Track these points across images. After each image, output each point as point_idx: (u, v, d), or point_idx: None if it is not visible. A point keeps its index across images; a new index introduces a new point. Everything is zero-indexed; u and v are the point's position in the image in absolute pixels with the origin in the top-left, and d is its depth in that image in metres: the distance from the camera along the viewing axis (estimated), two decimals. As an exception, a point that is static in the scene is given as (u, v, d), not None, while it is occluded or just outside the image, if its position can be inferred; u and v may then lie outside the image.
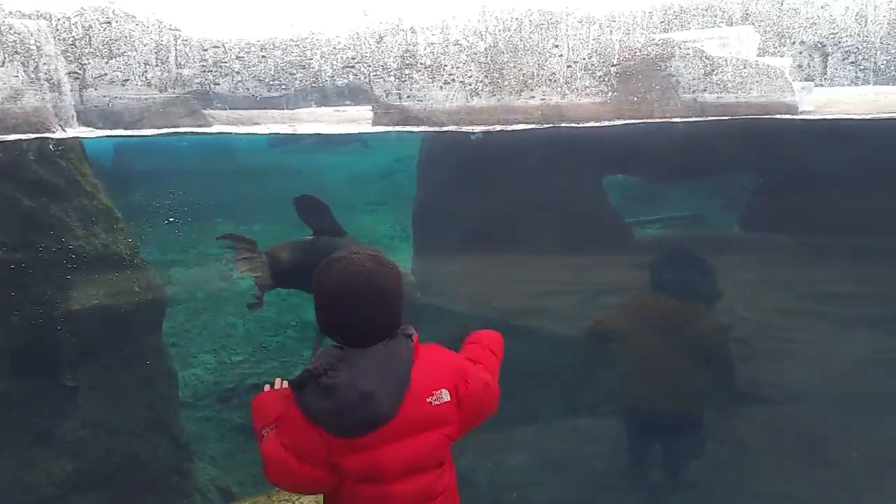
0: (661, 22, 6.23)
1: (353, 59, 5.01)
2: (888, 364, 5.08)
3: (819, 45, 6.94)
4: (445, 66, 5.20)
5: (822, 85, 7.02)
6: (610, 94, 5.65)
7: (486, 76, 5.30)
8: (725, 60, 6.18)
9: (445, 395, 1.54)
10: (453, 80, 5.25)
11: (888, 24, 7.43)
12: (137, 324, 4.55)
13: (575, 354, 5.68)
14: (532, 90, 5.53)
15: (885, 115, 5.48)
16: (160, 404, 5.25)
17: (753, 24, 6.62)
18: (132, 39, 4.38)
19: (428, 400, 1.53)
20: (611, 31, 5.73)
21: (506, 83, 5.40)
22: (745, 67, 6.38)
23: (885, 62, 7.16)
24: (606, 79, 5.65)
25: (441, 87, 5.22)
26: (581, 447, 5.93)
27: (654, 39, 5.90)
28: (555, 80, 5.60)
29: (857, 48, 7.15)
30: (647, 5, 6.07)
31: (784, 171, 6.03)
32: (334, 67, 5.04)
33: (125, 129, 4.64)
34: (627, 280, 6.36)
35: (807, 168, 5.73)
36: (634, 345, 4.82)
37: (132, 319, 4.43)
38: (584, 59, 5.61)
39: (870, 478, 4.37)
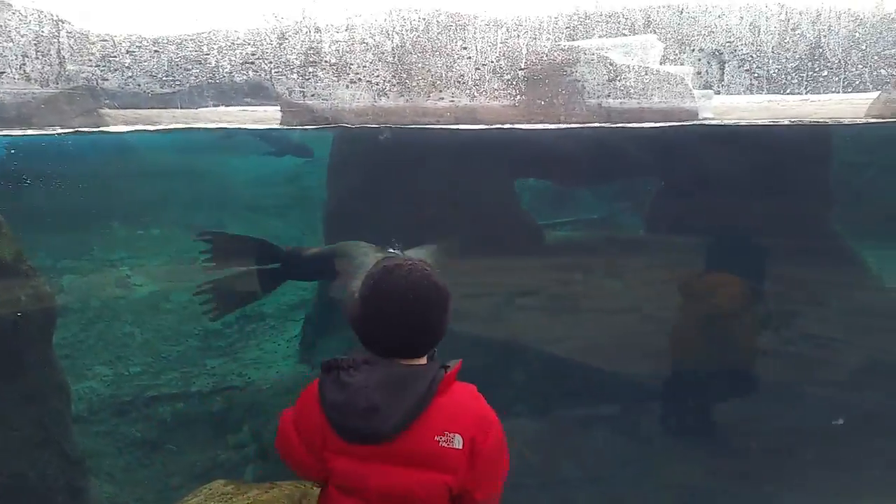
0: (567, 28, 6.44)
1: (254, 54, 4.93)
2: (784, 358, 5.39)
3: (717, 53, 7.39)
4: (351, 64, 5.19)
5: (720, 92, 7.45)
6: (518, 97, 5.77)
7: (394, 76, 5.32)
8: (628, 67, 6.44)
9: (458, 441, 1.42)
10: (360, 79, 5.24)
11: (779, 34, 8.00)
12: (25, 335, 4.27)
13: (493, 357, 5.76)
14: (441, 91, 5.58)
15: (779, 121, 5.86)
16: (50, 420, 4.98)
17: (655, 31, 6.94)
18: (7, 29, 4.14)
19: (437, 438, 1.43)
20: (518, 36, 5.88)
21: (414, 84, 5.43)
22: (646, 74, 6.68)
23: (776, 70, 7.70)
24: (515, 82, 5.78)
25: (347, 87, 5.20)
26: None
27: (559, 45, 6.08)
28: (464, 83, 5.68)
29: (752, 57, 7.65)
30: (553, 11, 6.26)
31: (686, 174, 6.31)
32: (232, 63, 4.93)
33: (5, 126, 4.37)
34: (541, 282, 6.50)
35: (707, 171, 6.02)
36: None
37: (19, 330, 4.16)
38: (492, 62, 5.72)
39: (768, 465, 4.62)
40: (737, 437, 5.02)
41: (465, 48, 5.50)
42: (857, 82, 7.56)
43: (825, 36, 7.73)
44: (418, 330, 1.49)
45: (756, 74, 7.13)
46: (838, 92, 7.47)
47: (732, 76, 7.45)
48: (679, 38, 7.13)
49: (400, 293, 1.44)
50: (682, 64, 7.26)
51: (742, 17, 7.56)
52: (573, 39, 6.39)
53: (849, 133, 5.22)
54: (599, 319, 6.08)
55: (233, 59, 4.76)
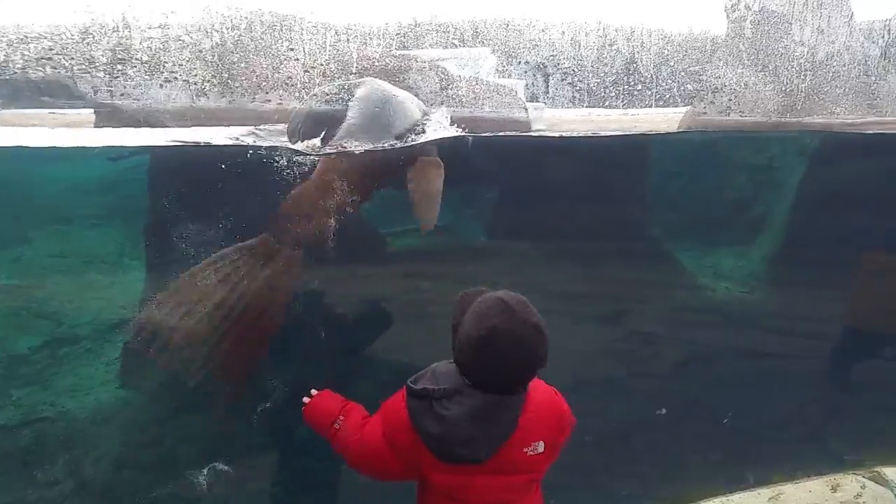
0: (398, 34, 6.67)
1: (51, 49, 4.67)
2: (614, 354, 5.78)
3: (541, 66, 7.97)
4: (166, 62, 5.06)
5: (545, 103, 8.01)
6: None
7: (214, 76, 5.24)
8: (459, 77, 6.76)
9: (541, 447, 1.74)
10: (175, 78, 5.12)
11: (597, 49, 8.81)
12: None
13: (338, 368, 5.75)
14: (267, 93, 5.56)
15: (603, 133, 6.34)
16: None
17: (483, 42, 7.36)
18: None
19: (525, 450, 1.73)
20: (348, 40, 6.00)
21: (237, 85, 5.38)
22: (478, 84, 7.05)
23: (596, 84, 8.45)
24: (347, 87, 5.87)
25: (161, 86, 5.05)
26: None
27: (391, 51, 6.28)
28: (292, 85, 5.69)
29: (574, 70, 8.34)
30: (384, 17, 6.46)
31: (521, 183, 6.66)
32: (26, 59, 4.65)
33: None
34: (386, 291, 6.58)
35: (540, 180, 6.38)
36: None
37: None
38: (321, 65, 5.79)
39: (600, 457, 4.91)
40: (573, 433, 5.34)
41: (291, 49, 5.52)
42: (668, 96, 8.49)
43: (639, 52, 8.62)
44: (522, 372, 1.70)
45: (578, 87, 7.78)
46: (651, 105, 8.38)
47: (557, 89, 8.05)
48: (506, 50, 7.61)
49: (516, 340, 1.60)
50: (509, 75, 7.74)
51: (564, 32, 8.23)
52: (405, 47, 6.61)
53: (663, 144, 5.80)
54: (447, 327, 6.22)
55: (26, 54, 4.48)
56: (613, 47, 8.28)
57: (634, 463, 4.94)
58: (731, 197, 5.31)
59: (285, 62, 5.73)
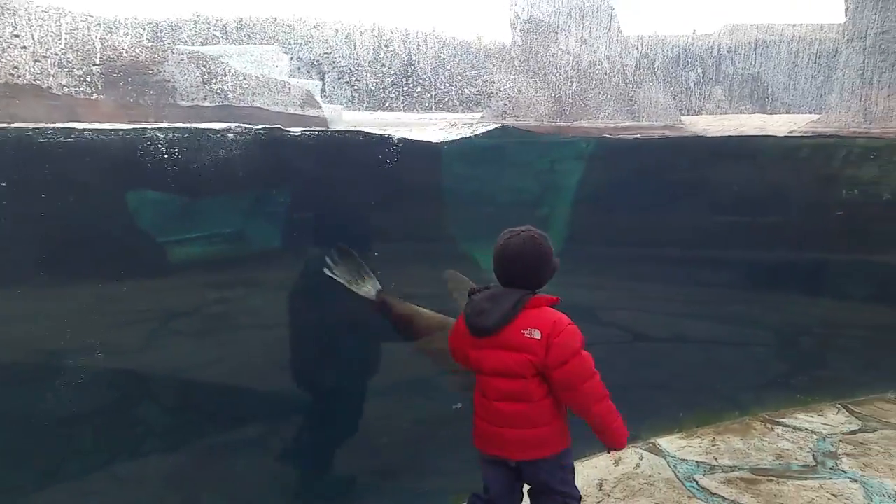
0: (150, 24, 6.25)
1: None
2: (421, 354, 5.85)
3: (316, 63, 7.96)
4: None
5: (324, 101, 7.98)
6: (95, 95, 5.38)
7: None
8: (224, 70, 6.50)
9: (536, 334, 2.18)
10: None
11: (374, 49, 9.09)
12: None
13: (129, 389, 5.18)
14: (-15, 85, 4.89)
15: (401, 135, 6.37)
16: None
17: (249, 36, 7.17)
18: None
19: (522, 331, 2.19)
20: (88, 28, 5.48)
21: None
22: (245, 79, 6.82)
23: (374, 84, 8.71)
24: (89, 79, 5.37)
25: None
26: (125, 493, 5.47)
27: (142, 42, 5.85)
28: (20, 75, 5.07)
29: (351, 69, 8.49)
30: (134, 6, 6.03)
31: (318, 184, 6.50)
32: None
33: None
34: (167, 305, 6.08)
35: (334, 181, 6.27)
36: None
37: None
38: (56, 54, 5.23)
39: (405, 456, 4.93)
40: (373, 436, 5.33)
41: (17, 35, 4.92)
42: (447, 99, 9.02)
43: (416, 55, 9.03)
44: (517, 272, 2.28)
45: (356, 87, 7.92)
46: (431, 108, 8.83)
47: (334, 87, 8.09)
48: (275, 45, 7.48)
49: (517, 246, 2.28)
50: (281, 71, 7.59)
51: (337, 31, 8.31)
52: (158, 39, 6.22)
53: (459, 147, 6.03)
54: (243, 337, 5.92)
55: None
56: (390, 48, 8.55)
57: (438, 458, 5.08)
58: (519, 198, 5.73)
59: (8, 49, 5.09)
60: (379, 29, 8.02)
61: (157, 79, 5.51)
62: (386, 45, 7.93)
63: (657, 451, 3.61)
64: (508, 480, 2.32)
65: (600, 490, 3.19)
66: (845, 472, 3.35)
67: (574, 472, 2.40)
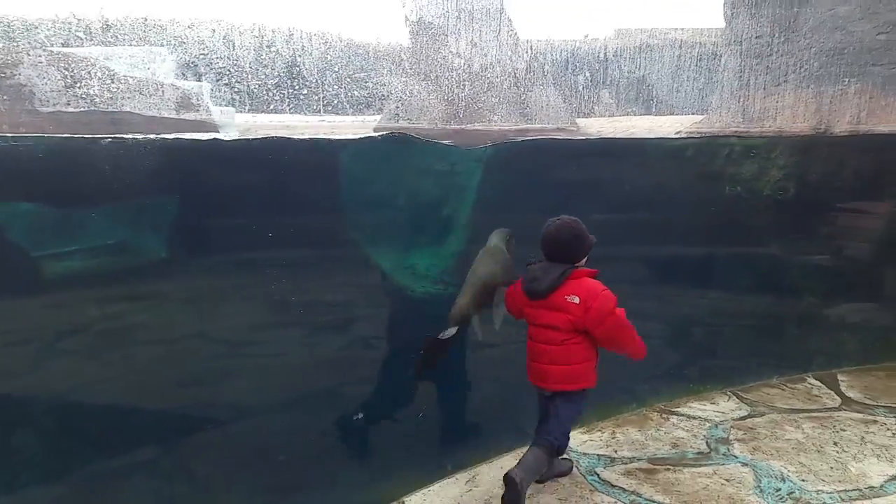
0: (1, 23, 5.79)
1: None
2: (338, 362, 5.70)
3: (192, 65, 7.59)
4: None
5: (199, 105, 7.63)
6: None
7: None
8: (90, 73, 6.14)
9: (576, 299, 2.99)
10: None
11: (255, 51, 8.74)
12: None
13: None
14: None
15: (296, 137, 6.23)
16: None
17: (116, 36, 6.77)
18: None
19: (565, 297, 3.01)
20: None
21: None
22: (113, 82, 6.45)
23: (257, 86, 8.39)
24: None
25: None
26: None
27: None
28: None
29: (230, 71, 8.13)
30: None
31: (206, 191, 6.25)
32: None
33: None
34: (45, 322, 5.66)
35: (226, 187, 6.05)
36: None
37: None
38: None
39: (310, 470, 4.82)
40: (274, 451, 5.17)
41: None
42: (336, 102, 8.81)
43: (300, 56, 8.77)
44: (559, 251, 3.09)
45: (237, 89, 7.60)
46: (320, 111, 8.58)
47: (214, 90, 7.76)
48: (146, 46, 7.11)
49: (554, 231, 3.09)
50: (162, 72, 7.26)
51: (215, 31, 7.96)
52: (11, 39, 5.82)
53: (356, 149, 5.94)
54: (129, 353, 5.59)
55: None
56: (273, 49, 8.26)
57: (344, 470, 5.01)
58: (421, 200, 5.71)
59: None
60: (260, 29, 7.78)
61: (12, 83, 5.14)
62: (268, 46, 7.71)
63: None
64: (547, 409, 3.18)
65: None
66: (736, 457, 3.58)
67: (579, 416, 3.29)
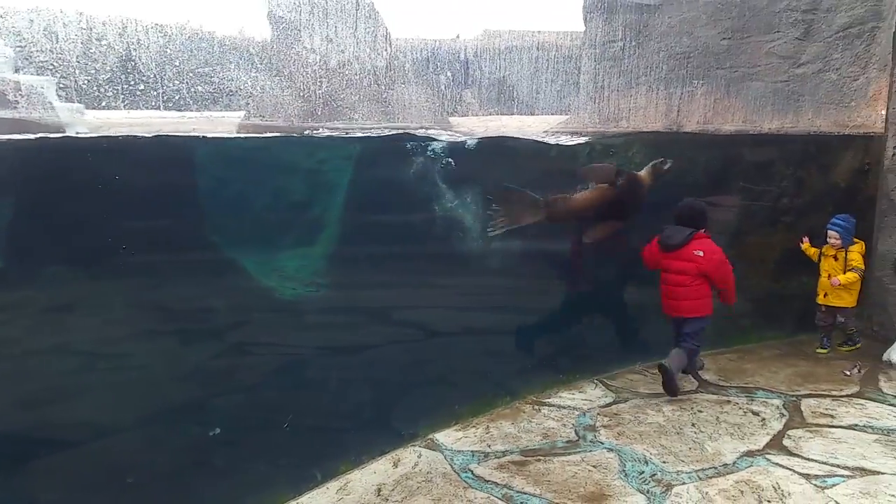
0: None
1: None
2: (201, 373, 5.44)
3: (5, 59, 7.04)
4: None
5: (17, 100, 7.08)
6: None
7: None
8: None
9: (700, 253, 4.31)
10: None
11: (83, 44, 8.21)
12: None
13: None
14: None
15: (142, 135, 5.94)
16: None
17: None
18: None
19: (693, 251, 4.34)
20: None
21: None
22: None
23: (86, 81, 7.87)
24: None
25: None
26: None
27: None
28: None
29: (54, 65, 7.61)
30: None
31: (46, 193, 5.81)
32: None
33: None
34: None
35: (69, 189, 5.66)
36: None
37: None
38: None
39: (168, 488, 4.61)
40: (128, 472, 4.92)
41: None
42: (177, 97, 8.43)
43: (136, 49, 8.33)
44: (687, 218, 4.47)
45: (63, 84, 7.12)
46: (160, 107, 8.19)
47: (34, 84, 7.25)
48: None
49: (679, 209, 4.52)
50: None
51: (33, 21, 7.41)
52: None
53: (214, 149, 5.75)
54: None
55: None
56: (104, 42, 7.77)
57: (206, 488, 4.84)
58: (289, 200, 5.63)
59: None
60: (88, 21, 7.39)
61: None
62: (98, 39, 7.32)
63: (435, 446, 3.81)
64: (678, 329, 4.48)
65: (378, 495, 3.29)
66: (603, 444, 3.77)
67: (703, 332, 4.51)
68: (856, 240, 5.09)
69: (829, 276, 5.06)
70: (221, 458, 4.64)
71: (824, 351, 5.21)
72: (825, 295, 5.15)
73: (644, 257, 4.62)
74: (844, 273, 4.99)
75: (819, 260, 5.19)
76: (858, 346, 5.24)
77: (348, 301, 5.12)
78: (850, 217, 5.10)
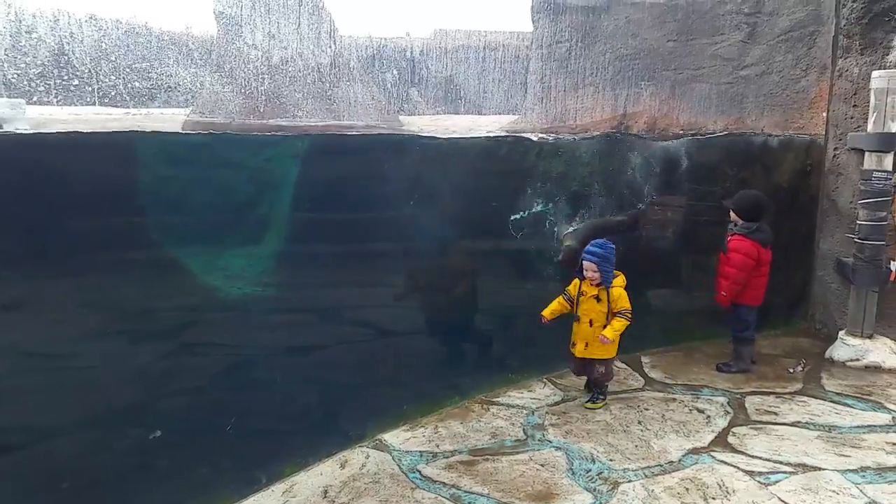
0: None
1: None
2: (143, 374, 5.36)
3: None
4: None
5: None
6: None
7: None
8: None
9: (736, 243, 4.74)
10: None
11: (11, 36, 8.11)
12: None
13: None
14: None
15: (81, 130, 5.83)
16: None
17: None
18: None
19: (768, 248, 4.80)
20: None
21: None
22: None
23: (16, 76, 7.78)
24: None
25: None
26: None
27: None
28: None
29: (-22, 58, 7.52)
30: None
31: None
32: None
33: None
34: None
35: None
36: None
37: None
38: None
39: (111, 495, 4.56)
40: (64, 477, 4.83)
41: None
42: (113, 93, 8.39)
43: (69, 43, 8.24)
44: (753, 208, 4.81)
45: (-11, 79, 7.04)
46: (95, 103, 8.13)
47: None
48: None
49: (746, 196, 4.87)
50: None
51: (-46, 13, 7.24)
52: None
53: (155, 145, 5.70)
54: None
55: None
56: (34, 35, 7.67)
57: (145, 493, 4.80)
58: (235, 198, 5.60)
59: None
60: (17, 12, 7.27)
61: None
62: (28, 32, 7.22)
63: (383, 446, 3.85)
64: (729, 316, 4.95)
65: (325, 497, 3.33)
66: (551, 442, 3.87)
67: (754, 318, 4.91)
68: (616, 272, 4.13)
69: (592, 322, 4.09)
70: (164, 461, 4.62)
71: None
72: (586, 346, 4.19)
73: (745, 263, 4.75)
74: (610, 317, 4.09)
75: (577, 301, 4.18)
76: (605, 402, 4.35)
77: (297, 302, 5.14)
78: (607, 243, 4.12)
